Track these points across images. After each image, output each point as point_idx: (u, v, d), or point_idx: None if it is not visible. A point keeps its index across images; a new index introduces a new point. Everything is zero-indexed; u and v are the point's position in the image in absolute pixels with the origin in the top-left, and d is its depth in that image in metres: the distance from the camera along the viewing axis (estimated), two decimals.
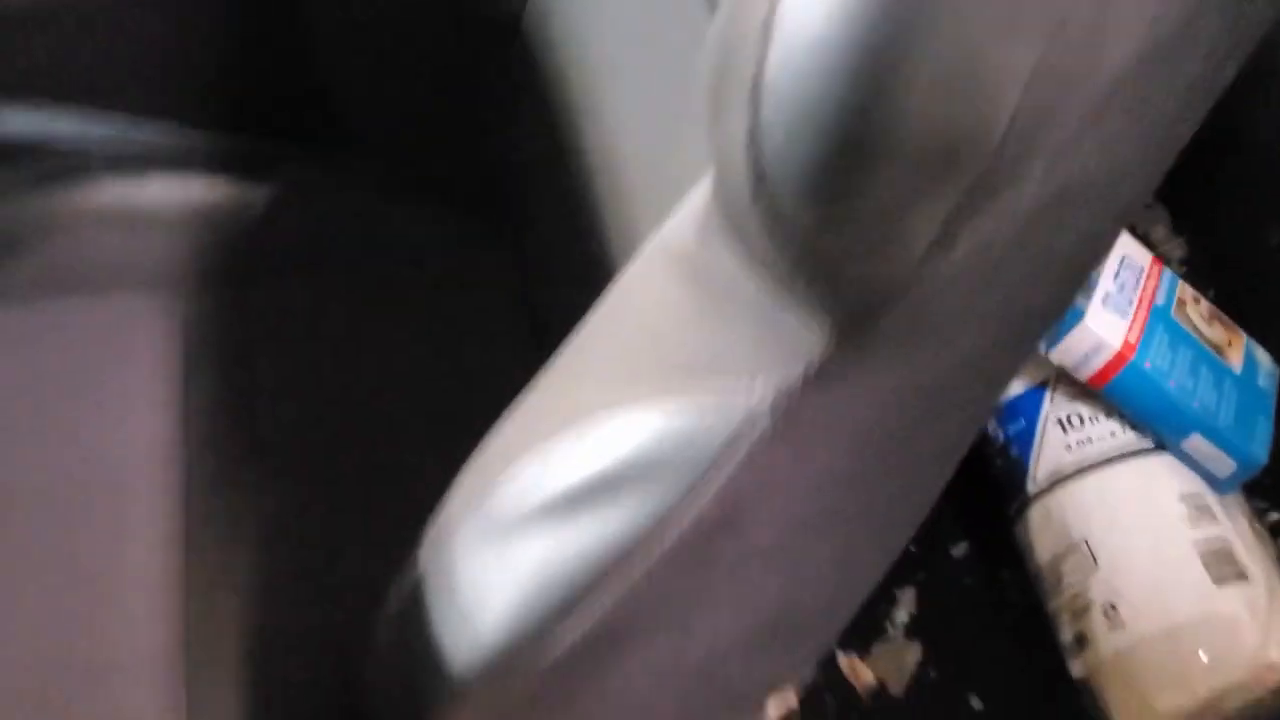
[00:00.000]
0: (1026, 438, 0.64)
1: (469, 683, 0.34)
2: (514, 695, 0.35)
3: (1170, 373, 0.61)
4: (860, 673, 0.68)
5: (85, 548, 0.53)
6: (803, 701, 0.67)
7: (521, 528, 0.32)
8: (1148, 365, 0.60)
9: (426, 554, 0.35)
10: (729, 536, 0.33)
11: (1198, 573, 0.58)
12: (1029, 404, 0.64)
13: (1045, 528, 0.63)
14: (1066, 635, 0.62)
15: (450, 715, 0.37)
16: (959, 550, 0.69)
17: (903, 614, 0.68)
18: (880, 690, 0.67)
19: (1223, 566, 0.58)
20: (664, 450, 0.30)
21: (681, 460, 0.30)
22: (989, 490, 0.67)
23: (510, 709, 0.37)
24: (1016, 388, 0.65)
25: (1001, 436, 0.65)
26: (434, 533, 0.35)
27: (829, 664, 0.68)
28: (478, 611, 0.33)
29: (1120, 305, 0.62)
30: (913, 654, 0.67)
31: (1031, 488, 0.63)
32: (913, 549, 0.70)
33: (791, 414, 0.29)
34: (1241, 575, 0.58)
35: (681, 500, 0.30)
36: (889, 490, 0.40)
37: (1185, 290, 0.66)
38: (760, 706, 0.49)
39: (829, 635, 0.47)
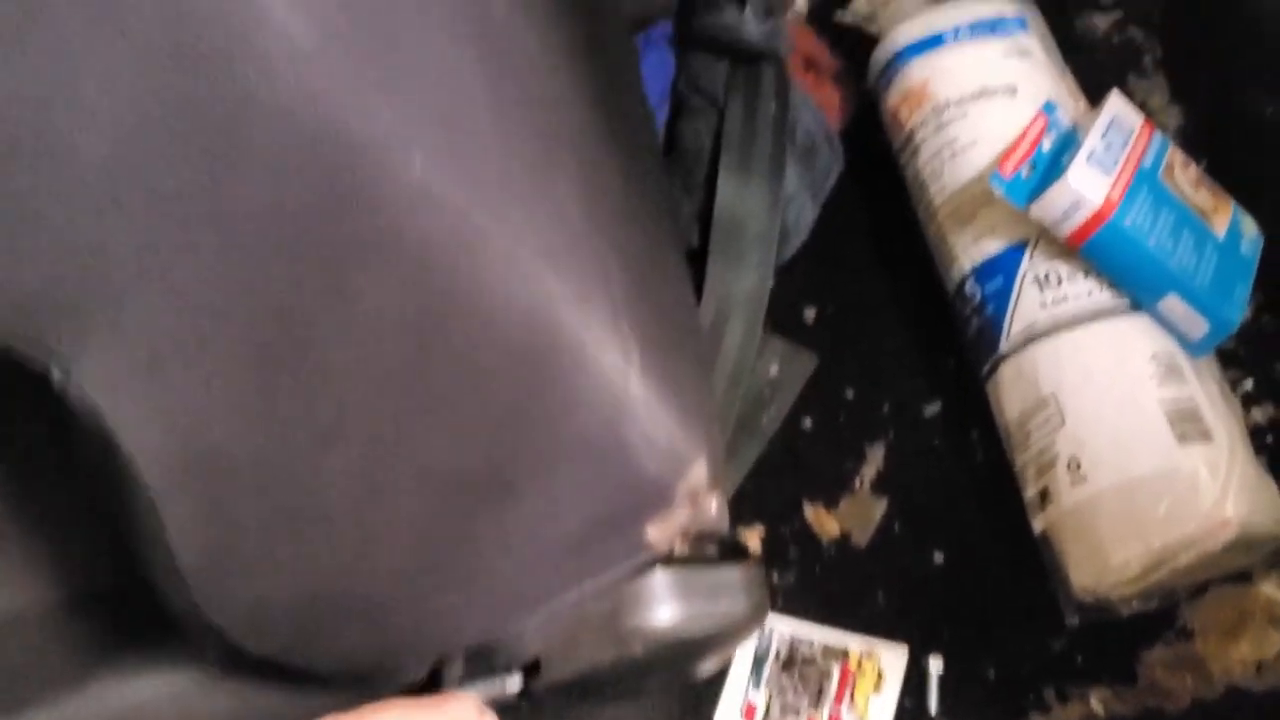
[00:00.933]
0: (1003, 296, 0.63)
1: None
2: None
3: (1150, 232, 0.60)
4: (825, 523, 0.68)
5: None
6: (766, 548, 0.68)
7: None
8: (1128, 223, 0.60)
9: None
10: None
11: (1162, 430, 0.58)
12: (1008, 262, 0.64)
13: (1016, 385, 0.63)
14: (1031, 492, 0.62)
15: None
16: (930, 410, 0.70)
17: (871, 470, 0.69)
18: (844, 541, 0.68)
19: (1187, 426, 0.58)
20: None
21: None
22: (963, 352, 0.67)
23: None
24: (996, 246, 0.64)
25: (979, 295, 0.65)
26: None
27: (795, 514, 0.69)
28: None
29: (1105, 164, 0.61)
30: (878, 508, 0.68)
31: (1005, 346, 0.63)
32: (884, 408, 0.70)
33: None
34: (1205, 435, 0.58)
35: None
36: None
37: (1175, 154, 0.65)
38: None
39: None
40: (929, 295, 0.70)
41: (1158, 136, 0.65)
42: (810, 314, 0.74)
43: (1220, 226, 0.64)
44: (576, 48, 0.52)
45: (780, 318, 0.73)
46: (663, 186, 0.69)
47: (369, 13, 0.35)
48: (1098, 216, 0.59)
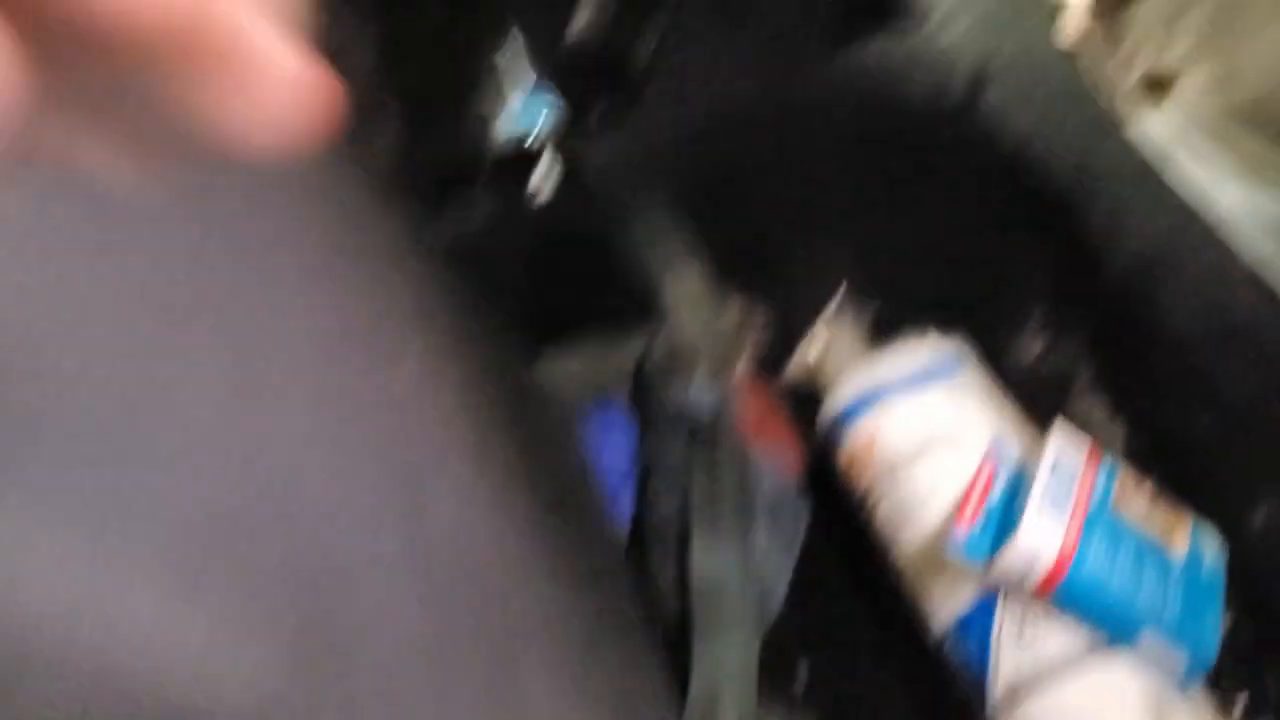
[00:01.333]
0: (982, 653, 0.64)
1: None
2: None
3: (1112, 574, 0.61)
4: None
5: None
6: None
7: None
8: (1086, 570, 0.61)
9: None
10: None
11: None
12: (981, 617, 0.65)
13: None
14: None
15: None
16: None
17: None
18: None
19: None
20: None
21: None
22: (957, 706, 0.67)
23: None
24: (966, 602, 0.65)
25: (958, 653, 0.65)
26: None
27: None
28: None
29: (1054, 512, 0.62)
30: None
31: (991, 705, 0.63)
32: None
33: None
34: None
35: None
36: None
37: (1125, 477, 0.67)
38: None
39: None
40: (918, 639, 0.70)
41: (1105, 463, 0.67)
42: (802, 673, 0.74)
43: (1180, 546, 0.65)
44: (526, 503, 0.55)
45: (770, 679, 0.73)
46: (625, 586, 0.71)
47: (329, 651, 0.37)
48: (1055, 572, 0.60)
